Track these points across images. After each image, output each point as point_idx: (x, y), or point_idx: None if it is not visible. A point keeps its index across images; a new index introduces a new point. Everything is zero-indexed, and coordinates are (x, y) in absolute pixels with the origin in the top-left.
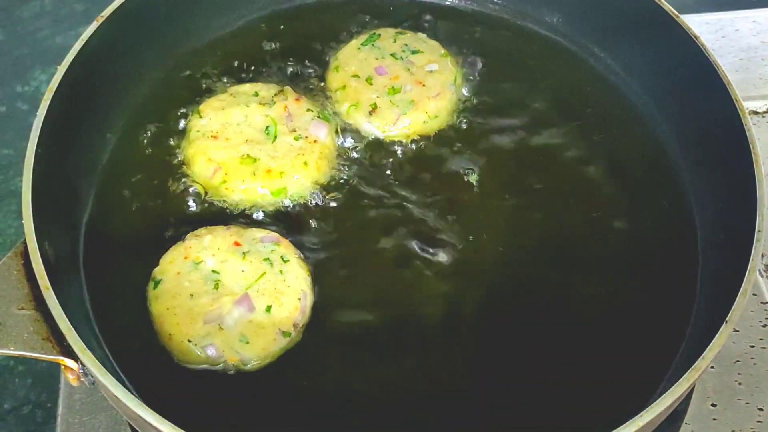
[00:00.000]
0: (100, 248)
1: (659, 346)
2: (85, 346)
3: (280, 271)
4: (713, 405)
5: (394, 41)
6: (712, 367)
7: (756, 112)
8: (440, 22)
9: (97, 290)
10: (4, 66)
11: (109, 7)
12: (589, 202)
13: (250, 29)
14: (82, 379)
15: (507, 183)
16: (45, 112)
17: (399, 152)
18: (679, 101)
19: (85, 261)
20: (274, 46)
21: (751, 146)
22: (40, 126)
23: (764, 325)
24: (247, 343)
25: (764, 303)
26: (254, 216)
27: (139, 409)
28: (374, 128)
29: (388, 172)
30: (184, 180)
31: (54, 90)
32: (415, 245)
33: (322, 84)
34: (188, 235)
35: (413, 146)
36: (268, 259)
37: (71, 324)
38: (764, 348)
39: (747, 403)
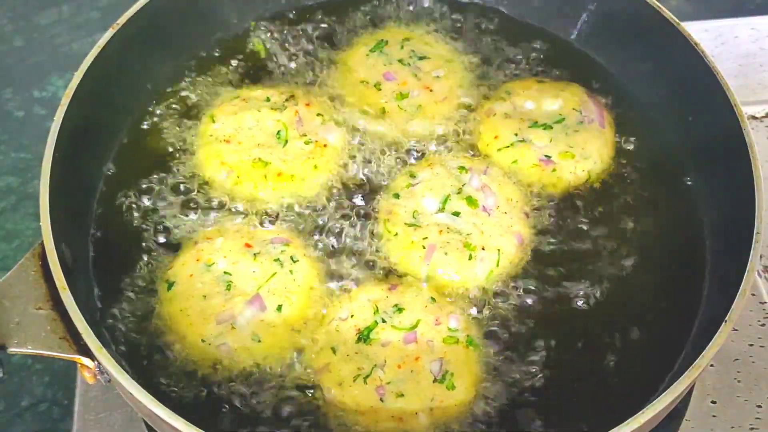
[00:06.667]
0: (113, 249)
1: (662, 345)
2: (101, 345)
3: (290, 271)
4: (713, 402)
5: (401, 47)
6: (711, 366)
7: (755, 117)
8: (450, 21)
9: (110, 291)
10: (23, 72)
11: (124, 14)
12: (592, 206)
13: (260, 33)
14: (98, 377)
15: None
16: (62, 116)
17: (407, 155)
18: (680, 106)
19: (100, 262)
20: (283, 49)
21: (749, 150)
22: (57, 130)
23: (763, 325)
24: (259, 341)
25: (763, 303)
26: (265, 218)
27: (153, 406)
28: (383, 132)
29: (397, 174)
30: (195, 183)
31: (71, 95)
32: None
33: (332, 88)
34: (200, 237)
35: (420, 148)
36: (278, 259)
37: (87, 323)
38: (763, 347)
39: (746, 401)
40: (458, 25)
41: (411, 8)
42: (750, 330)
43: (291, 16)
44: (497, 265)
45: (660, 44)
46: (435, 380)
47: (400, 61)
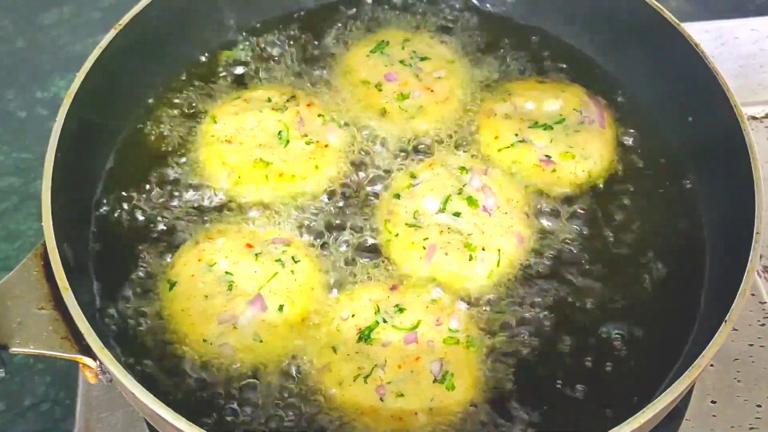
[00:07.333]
0: (115, 250)
1: (662, 345)
2: (103, 345)
3: (292, 271)
4: (713, 402)
5: (402, 48)
6: (711, 365)
7: (754, 118)
8: (451, 22)
9: (112, 290)
10: (25, 72)
11: (125, 15)
12: (592, 206)
13: (261, 34)
14: (100, 377)
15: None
16: (64, 117)
17: (407, 155)
18: (680, 107)
19: (102, 262)
20: (284, 50)
21: (749, 150)
22: (59, 131)
23: (762, 324)
24: (261, 341)
25: (762, 303)
26: (266, 218)
27: (155, 406)
28: (384, 132)
29: (397, 174)
30: (197, 183)
31: (73, 96)
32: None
33: (333, 89)
34: (201, 237)
35: (421, 149)
36: (279, 259)
37: (89, 323)
38: (762, 346)
39: (746, 400)
40: (459, 25)
41: (411, 10)
42: (750, 330)
43: (293, 17)
44: (498, 266)
45: (660, 45)
46: (435, 380)
47: (401, 61)
